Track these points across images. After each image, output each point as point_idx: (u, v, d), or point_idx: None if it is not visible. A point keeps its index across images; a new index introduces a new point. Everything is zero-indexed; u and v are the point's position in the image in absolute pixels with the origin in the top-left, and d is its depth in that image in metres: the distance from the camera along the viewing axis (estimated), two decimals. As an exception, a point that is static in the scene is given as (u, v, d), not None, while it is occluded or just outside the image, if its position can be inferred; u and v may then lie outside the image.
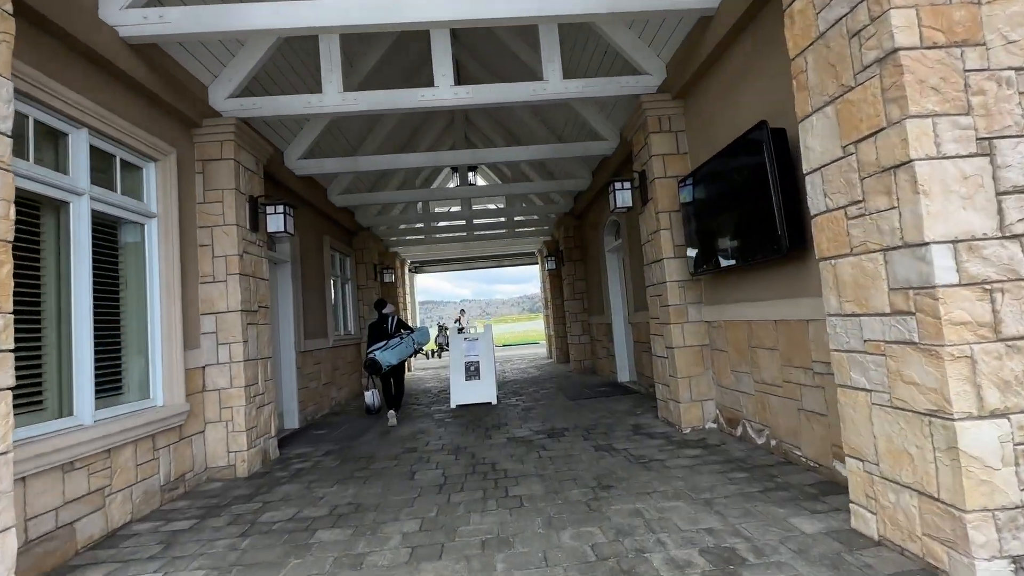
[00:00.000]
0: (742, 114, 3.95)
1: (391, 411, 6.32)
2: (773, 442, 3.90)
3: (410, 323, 15.30)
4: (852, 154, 2.37)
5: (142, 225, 3.99)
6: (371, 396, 6.49)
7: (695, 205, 4.50)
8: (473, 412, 6.84)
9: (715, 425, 4.83)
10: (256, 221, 4.99)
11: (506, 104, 5.15)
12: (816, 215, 2.65)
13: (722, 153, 3.91)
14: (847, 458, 2.59)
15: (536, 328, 42.61)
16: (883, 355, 2.30)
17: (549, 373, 10.83)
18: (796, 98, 2.72)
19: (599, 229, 9.07)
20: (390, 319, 6.69)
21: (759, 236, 3.53)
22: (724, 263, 4.11)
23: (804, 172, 2.70)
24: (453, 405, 7.31)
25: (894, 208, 2.17)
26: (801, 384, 3.53)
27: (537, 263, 16.48)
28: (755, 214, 3.55)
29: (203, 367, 4.50)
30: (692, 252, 4.62)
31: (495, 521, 3.07)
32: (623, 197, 5.25)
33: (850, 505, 2.59)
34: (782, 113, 3.47)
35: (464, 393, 7.41)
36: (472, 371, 7.52)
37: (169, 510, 3.75)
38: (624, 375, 8.50)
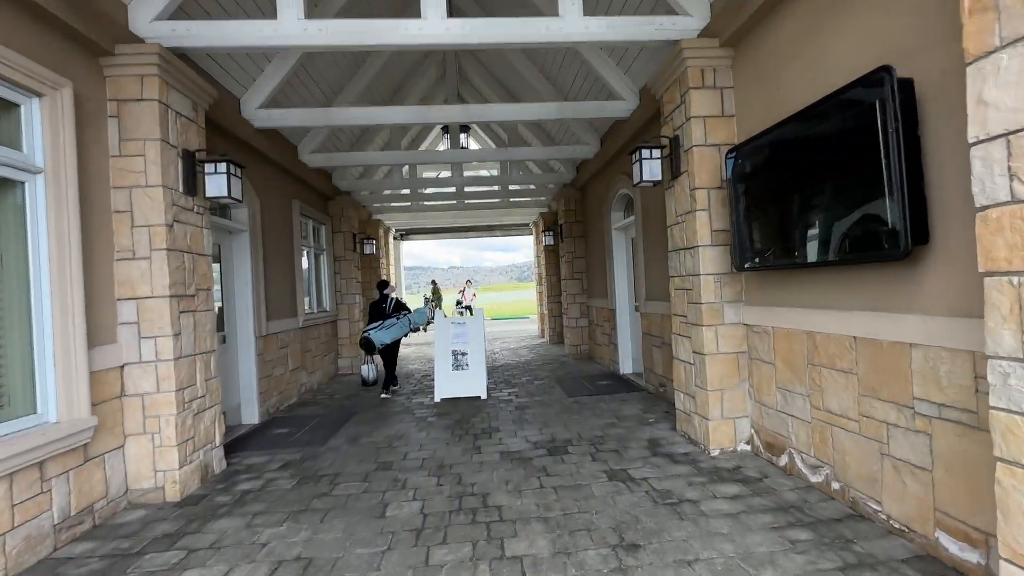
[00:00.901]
0: (832, 62, 2.99)
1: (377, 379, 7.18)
2: (836, 485, 3.12)
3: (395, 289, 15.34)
4: (1089, 112, 1.47)
5: (22, 183, 2.98)
6: (367, 370, 7.02)
7: (749, 181, 3.58)
8: (460, 408, 6.01)
9: (748, 447, 4.05)
10: (193, 182, 3.97)
11: (511, 45, 4.11)
12: (987, 207, 1.76)
13: (802, 114, 2.96)
14: (1004, 562, 1.79)
15: (525, 298, 41.83)
16: (1114, 436, 1.46)
17: (543, 357, 10.04)
18: (966, 28, 1.79)
19: (605, 203, 8.11)
20: (389, 300, 7.00)
21: (855, 227, 2.63)
22: (787, 258, 3.23)
23: (973, 140, 1.80)
24: (437, 399, 6.47)
25: None
26: (890, 423, 2.72)
27: (532, 234, 15.49)
28: (851, 197, 2.64)
29: (121, 367, 3.56)
30: (738, 240, 3.73)
31: (489, 609, 2.26)
32: (651, 168, 4.28)
33: (1002, 628, 1.80)
34: (900, 58, 2.53)
35: (450, 385, 6.57)
36: (459, 360, 6.66)
37: (64, 559, 2.89)
38: (627, 367, 7.72)
